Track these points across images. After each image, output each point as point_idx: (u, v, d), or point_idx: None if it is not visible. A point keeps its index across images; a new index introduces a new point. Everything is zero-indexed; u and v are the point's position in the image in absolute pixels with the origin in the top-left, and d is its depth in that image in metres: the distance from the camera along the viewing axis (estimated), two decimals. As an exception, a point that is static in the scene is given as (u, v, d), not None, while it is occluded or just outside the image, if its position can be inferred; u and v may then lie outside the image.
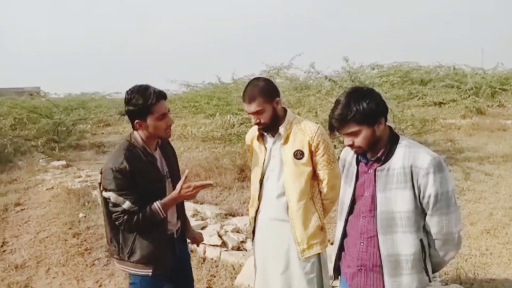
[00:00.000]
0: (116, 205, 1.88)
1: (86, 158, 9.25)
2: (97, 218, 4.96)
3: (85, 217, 5.02)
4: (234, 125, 6.86)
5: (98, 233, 4.49)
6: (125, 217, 1.87)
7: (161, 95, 1.92)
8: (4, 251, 4.23)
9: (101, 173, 1.95)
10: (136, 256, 1.96)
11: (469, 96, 12.17)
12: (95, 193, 5.84)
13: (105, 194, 1.91)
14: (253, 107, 2.02)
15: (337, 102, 1.61)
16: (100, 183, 1.97)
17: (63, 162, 8.21)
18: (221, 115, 7.32)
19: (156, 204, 1.91)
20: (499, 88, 13.88)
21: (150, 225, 1.93)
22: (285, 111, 2.13)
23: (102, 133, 12.84)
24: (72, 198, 5.70)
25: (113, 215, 1.90)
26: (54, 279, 3.60)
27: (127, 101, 1.91)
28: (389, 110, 1.92)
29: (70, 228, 4.66)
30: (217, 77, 11.73)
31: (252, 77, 3.18)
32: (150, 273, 1.99)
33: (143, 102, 1.86)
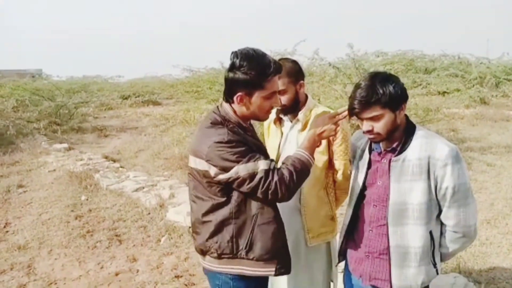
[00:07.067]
0: (251, 175, 1.46)
1: (88, 141, 9.27)
2: (99, 201, 4.99)
3: (87, 199, 5.05)
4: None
5: (100, 216, 4.52)
6: (275, 178, 1.47)
7: (279, 70, 1.55)
8: (7, 231, 4.27)
9: (202, 158, 1.52)
10: (257, 249, 1.55)
11: (473, 85, 12.08)
12: (97, 176, 5.86)
13: (226, 175, 1.47)
14: None
15: (358, 85, 1.53)
16: (203, 173, 1.53)
17: (65, 145, 8.21)
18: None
19: (298, 151, 1.57)
20: (504, 78, 13.75)
21: (304, 177, 1.56)
22: (306, 97, 2.09)
23: (104, 117, 12.80)
24: (74, 180, 5.72)
25: (260, 188, 1.47)
26: (56, 260, 3.63)
27: (237, 67, 1.50)
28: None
29: (72, 211, 4.69)
30: (219, 63, 11.67)
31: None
32: (273, 273, 1.58)
33: (259, 72, 1.48)
